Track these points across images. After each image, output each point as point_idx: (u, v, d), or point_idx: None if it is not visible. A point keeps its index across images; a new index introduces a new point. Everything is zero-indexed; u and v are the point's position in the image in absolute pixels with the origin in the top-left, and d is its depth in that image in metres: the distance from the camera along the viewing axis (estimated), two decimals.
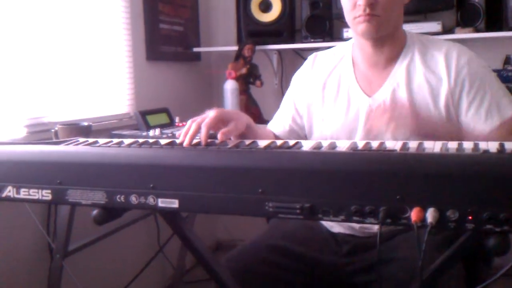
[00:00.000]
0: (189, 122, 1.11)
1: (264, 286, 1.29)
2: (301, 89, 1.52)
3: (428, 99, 1.30)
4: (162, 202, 0.89)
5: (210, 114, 1.12)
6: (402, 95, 1.33)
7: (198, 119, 1.11)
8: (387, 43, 1.35)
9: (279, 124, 1.53)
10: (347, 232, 1.38)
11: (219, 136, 1.09)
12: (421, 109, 1.30)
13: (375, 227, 1.32)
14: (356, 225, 1.35)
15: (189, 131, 1.07)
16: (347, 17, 1.35)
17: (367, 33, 1.32)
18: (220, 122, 1.13)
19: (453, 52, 1.32)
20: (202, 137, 1.05)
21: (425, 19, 2.54)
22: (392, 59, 1.37)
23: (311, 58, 1.54)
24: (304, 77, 1.52)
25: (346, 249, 1.37)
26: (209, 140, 1.07)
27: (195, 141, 1.06)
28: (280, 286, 1.33)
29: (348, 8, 1.32)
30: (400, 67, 1.36)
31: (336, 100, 1.42)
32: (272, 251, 1.35)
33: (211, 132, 1.11)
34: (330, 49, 1.53)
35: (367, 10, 1.27)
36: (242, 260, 1.33)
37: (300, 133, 1.51)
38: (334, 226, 1.40)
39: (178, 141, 1.07)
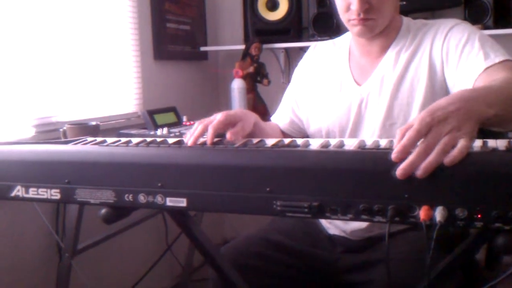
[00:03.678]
0: (196, 123, 1.10)
1: (255, 279, 1.30)
2: (299, 80, 1.52)
3: (424, 80, 1.28)
4: (170, 201, 0.89)
5: (218, 117, 1.11)
6: (391, 82, 1.31)
7: (205, 121, 1.10)
8: (382, 33, 1.33)
9: (280, 116, 1.54)
10: (342, 234, 1.38)
11: (227, 136, 1.08)
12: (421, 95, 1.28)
13: (365, 232, 1.34)
14: (348, 229, 1.35)
15: (195, 132, 1.07)
16: (341, 17, 1.34)
17: (362, 35, 1.32)
18: (228, 124, 1.13)
19: (440, 27, 1.30)
20: (208, 139, 1.05)
21: (433, 17, 2.53)
22: (385, 48, 1.36)
23: (311, 48, 1.54)
24: (303, 68, 1.53)
25: (340, 249, 1.38)
26: (216, 139, 1.07)
27: (201, 140, 1.06)
28: (272, 279, 1.34)
29: (342, 9, 1.31)
30: (390, 55, 1.34)
31: (330, 89, 1.42)
32: (265, 245, 1.36)
33: (219, 132, 1.11)
34: (331, 39, 1.53)
35: (361, 15, 1.26)
36: (235, 253, 1.34)
37: (301, 125, 1.51)
38: (330, 228, 1.41)
39: (185, 141, 1.07)
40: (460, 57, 1.23)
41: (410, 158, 0.75)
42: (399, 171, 0.75)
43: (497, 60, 1.16)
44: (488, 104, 0.85)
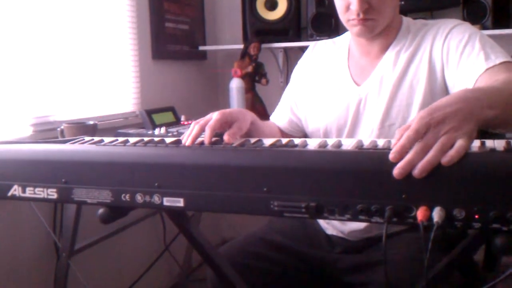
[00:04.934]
0: (192, 124, 1.10)
1: (253, 279, 1.30)
2: (298, 79, 1.52)
3: (423, 81, 1.27)
4: (167, 201, 0.89)
5: (214, 116, 1.10)
6: (390, 82, 1.31)
7: (201, 121, 1.10)
8: (382, 33, 1.33)
9: (279, 116, 1.53)
10: (340, 235, 1.38)
11: (225, 138, 1.08)
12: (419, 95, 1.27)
13: (363, 233, 1.33)
14: (346, 230, 1.35)
15: (192, 132, 1.07)
16: (341, 17, 1.33)
17: (361, 35, 1.32)
18: (224, 123, 1.12)
19: (441, 27, 1.30)
20: (206, 139, 1.04)
21: (431, 17, 2.53)
22: (385, 48, 1.35)
23: (310, 47, 1.54)
24: (302, 67, 1.53)
25: (338, 249, 1.37)
26: (214, 139, 1.07)
27: (199, 140, 1.06)
28: (270, 279, 1.34)
29: (341, 10, 1.31)
30: (390, 55, 1.34)
31: (329, 89, 1.41)
32: (263, 245, 1.36)
33: (216, 132, 1.10)
34: (332, 38, 1.53)
35: (361, 15, 1.26)
36: (233, 253, 1.34)
37: (299, 124, 1.50)
38: (328, 228, 1.41)
39: (182, 143, 1.07)
40: (461, 57, 1.23)
41: (408, 157, 0.75)
42: (397, 170, 0.75)
43: (497, 61, 1.16)
44: (489, 105, 0.85)
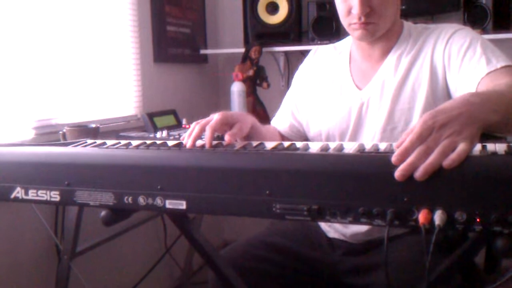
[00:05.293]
0: (193, 124, 1.11)
1: (255, 281, 1.30)
2: (300, 83, 1.52)
3: (425, 85, 1.28)
4: (169, 204, 0.89)
5: (215, 117, 1.12)
6: (392, 86, 1.31)
7: (202, 121, 1.11)
8: (383, 37, 1.33)
9: (280, 120, 1.54)
10: (341, 238, 1.38)
11: (226, 138, 1.09)
12: (421, 99, 1.28)
13: (365, 235, 1.33)
14: (348, 233, 1.36)
15: (192, 133, 1.07)
16: (342, 21, 1.34)
17: (363, 39, 1.32)
18: (225, 124, 1.13)
19: (442, 32, 1.30)
20: (206, 139, 1.05)
21: (432, 21, 2.54)
22: (386, 52, 1.36)
23: (312, 52, 1.54)
24: (303, 72, 1.53)
25: (339, 252, 1.38)
26: (216, 142, 1.08)
27: (200, 143, 1.06)
28: (272, 281, 1.34)
29: (343, 14, 1.31)
30: (391, 59, 1.34)
31: (331, 93, 1.42)
32: (265, 248, 1.36)
33: (217, 134, 1.11)
34: (332, 44, 1.53)
35: (362, 19, 1.26)
36: (235, 256, 1.35)
37: (300, 129, 1.51)
38: (330, 231, 1.41)
39: (183, 143, 1.07)
40: (462, 62, 1.23)
41: (410, 159, 0.75)
42: (398, 172, 0.75)
43: (499, 65, 1.16)
44: (491, 109, 0.86)
